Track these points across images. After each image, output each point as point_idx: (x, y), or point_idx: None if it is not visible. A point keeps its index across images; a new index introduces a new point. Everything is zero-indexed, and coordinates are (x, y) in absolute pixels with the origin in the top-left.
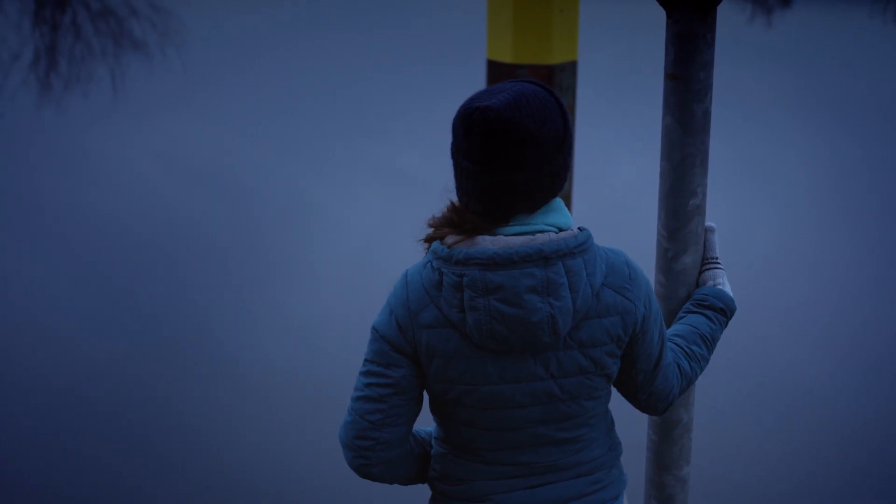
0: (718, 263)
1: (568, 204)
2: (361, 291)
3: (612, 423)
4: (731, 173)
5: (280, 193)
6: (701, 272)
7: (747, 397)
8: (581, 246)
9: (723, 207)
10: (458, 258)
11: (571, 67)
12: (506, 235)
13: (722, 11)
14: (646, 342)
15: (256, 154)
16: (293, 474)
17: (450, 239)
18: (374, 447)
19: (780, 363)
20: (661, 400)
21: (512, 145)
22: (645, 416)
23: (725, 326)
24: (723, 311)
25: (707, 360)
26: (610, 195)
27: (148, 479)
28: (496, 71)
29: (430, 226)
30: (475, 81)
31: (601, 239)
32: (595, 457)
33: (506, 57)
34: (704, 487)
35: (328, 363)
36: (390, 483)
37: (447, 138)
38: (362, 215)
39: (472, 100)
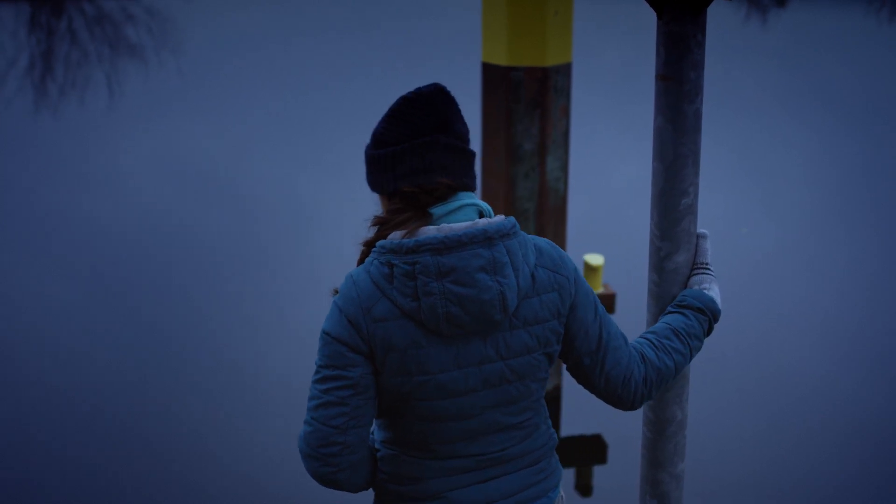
0: (708, 269)
1: (564, 203)
2: None
3: (548, 414)
4: (727, 172)
5: (277, 196)
6: (689, 277)
7: (742, 395)
8: (514, 228)
9: (719, 206)
10: (408, 247)
11: (566, 70)
12: (449, 224)
13: (717, 12)
14: (577, 318)
15: (253, 157)
16: (293, 476)
17: (395, 234)
18: (340, 452)
19: (775, 361)
20: (620, 385)
21: (459, 114)
22: (640, 414)
23: (708, 327)
24: (701, 310)
25: (682, 355)
26: (604, 195)
27: (149, 483)
28: (491, 73)
29: (376, 224)
30: (470, 83)
31: (597, 239)
32: (539, 445)
33: (500, 59)
34: (699, 485)
35: None
36: (349, 490)
37: None
38: (360, 217)
39: (409, 97)
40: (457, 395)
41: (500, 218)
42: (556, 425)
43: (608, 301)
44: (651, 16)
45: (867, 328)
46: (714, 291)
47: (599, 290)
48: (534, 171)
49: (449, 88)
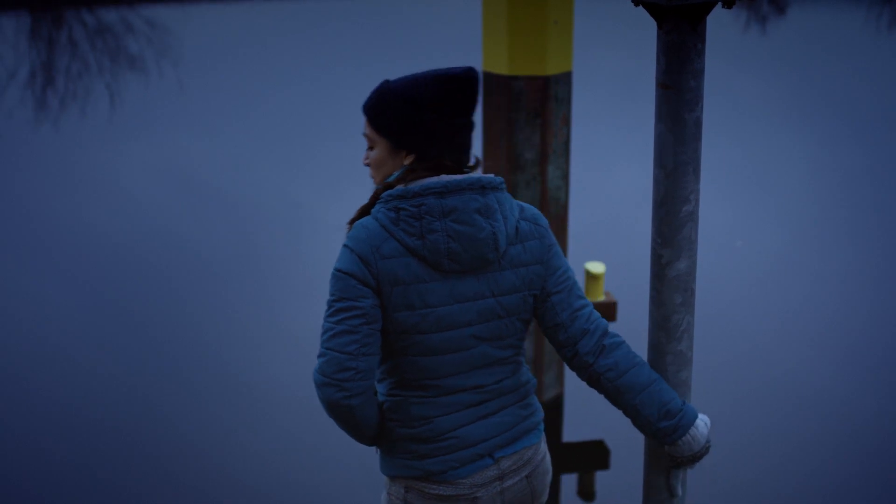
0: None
1: (565, 212)
2: None
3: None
4: (728, 179)
5: (275, 206)
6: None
7: (746, 399)
8: (502, 185)
9: (723, 213)
10: (415, 191)
11: (566, 78)
12: (447, 174)
13: (717, 20)
14: (552, 264)
15: (252, 168)
16: (290, 483)
17: (398, 187)
18: (353, 377)
19: (779, 367)
20: (580, 331)
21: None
22: None
23: (668, 424)
24: (680, 414)
25: (649, 374)
26: (605, 203)
27: (145, 491)
28: (491, 82)
29: (406, 177)
30: None
31: (598, 248)
32: (524, 382)
33: (501, 69)
34: (702, 487)
35: None
36: (361, 424)
37: None
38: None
39: (442, 74)
40: (454, 327)
41: (490, 175)
42: (559, 432)
43: (609, 309)
44: (651, 24)
45: (869, 337)
46: (703, 428)
47: (601, 298)
48: (535, 180)
49: None
